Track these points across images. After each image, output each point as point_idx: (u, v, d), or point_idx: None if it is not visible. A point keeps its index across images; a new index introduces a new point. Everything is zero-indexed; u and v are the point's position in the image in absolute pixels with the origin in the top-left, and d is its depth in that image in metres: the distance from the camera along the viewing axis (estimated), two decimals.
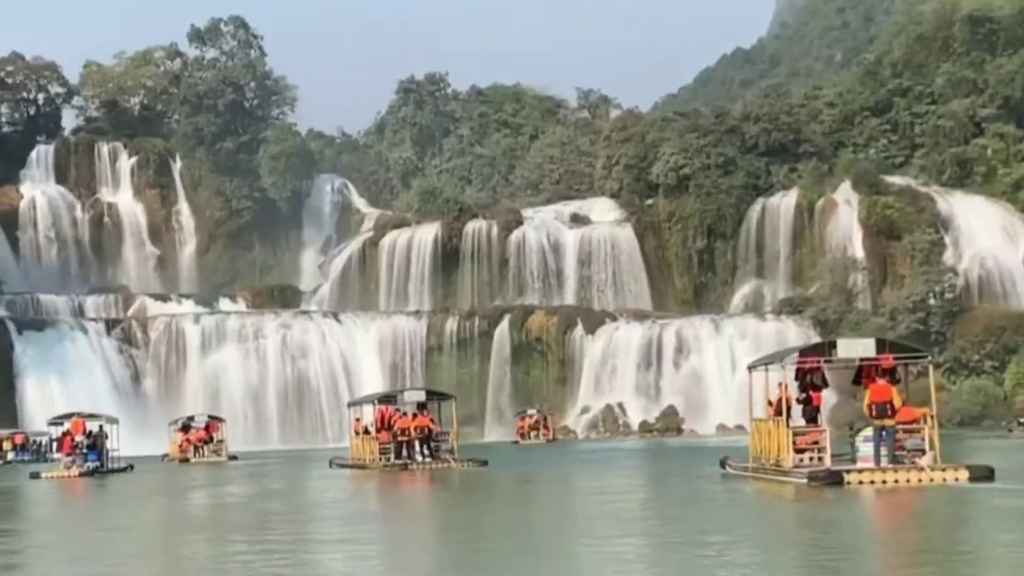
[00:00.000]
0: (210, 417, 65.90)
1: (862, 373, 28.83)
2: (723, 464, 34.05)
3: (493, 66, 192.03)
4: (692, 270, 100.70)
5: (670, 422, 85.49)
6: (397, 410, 44.05)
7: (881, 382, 28.68)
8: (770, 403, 30.78)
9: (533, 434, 77.41)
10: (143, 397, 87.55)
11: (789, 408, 29.63)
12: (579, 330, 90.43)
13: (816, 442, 29.04)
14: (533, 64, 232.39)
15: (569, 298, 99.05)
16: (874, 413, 28.44)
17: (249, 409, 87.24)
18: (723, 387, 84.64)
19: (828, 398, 70.28)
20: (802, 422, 29.98)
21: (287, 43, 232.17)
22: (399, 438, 42.81)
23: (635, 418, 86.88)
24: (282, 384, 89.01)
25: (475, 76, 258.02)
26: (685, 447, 61.32)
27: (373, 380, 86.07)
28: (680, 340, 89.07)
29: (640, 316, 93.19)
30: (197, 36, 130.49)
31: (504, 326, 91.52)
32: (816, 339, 74.19)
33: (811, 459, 28.98)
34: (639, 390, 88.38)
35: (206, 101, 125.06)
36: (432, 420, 43.44)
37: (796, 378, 29.95)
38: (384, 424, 43.84)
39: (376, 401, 46.32)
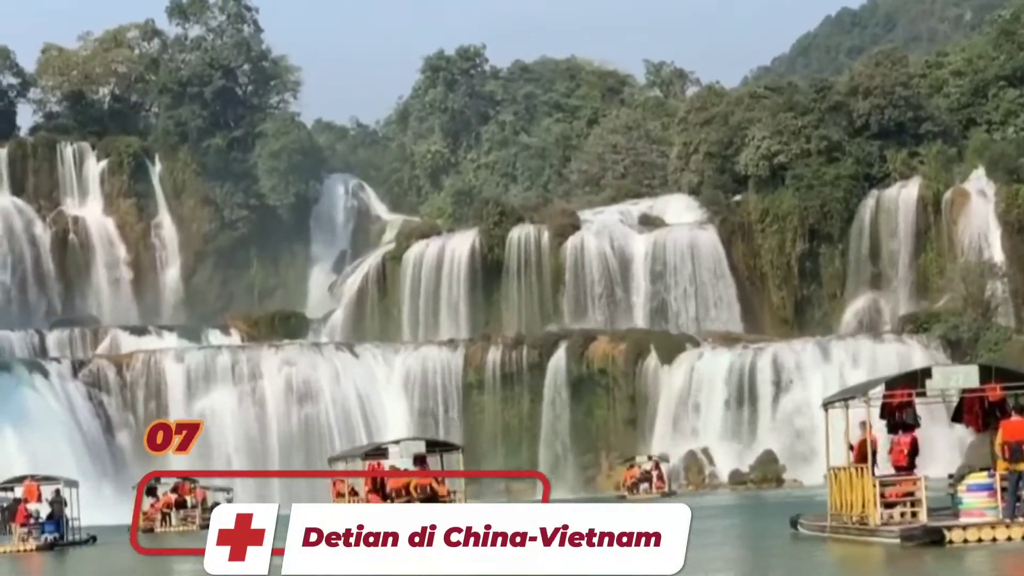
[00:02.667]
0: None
1: (963, 408, 29.24)
2: (794, 524, 34.31)
3: (540, 36, 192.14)
4: (791, 282, 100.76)
5: (768, 471, 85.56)
6: (393, 467, 44.60)
7: (1017, 418, 29.38)
8: (851, 447, 31.13)
9: (644, 487, 77.10)
10: (117, 453, 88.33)
11: (875, 452, 30.00)
12: (652, 359, 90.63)
13: (910, 493, 29.43)
14: (590, 32, 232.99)
15: (639, 320, 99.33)
16: (1007, 455, 29.04)
17: (246, 464, 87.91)
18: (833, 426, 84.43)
19: (964, 437, 71.23)
20: (891, 470, 30.35)
21: (287, 16, 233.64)
22: (396, 500, 42.92)
23: (724, 467, 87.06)
24: (286, 433, 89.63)
25: (518, 49, 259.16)
26: (784, 501, 61.26)
27: (398, 426, 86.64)
28: (778, 369, 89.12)
29: (728, 340, 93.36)
30: (178, 10, 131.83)
31: (559, 356, 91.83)
32: (946, 362, 74.20)
33: (902, 514, 29.38)
34: (729, 432, 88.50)
35: (190, 89, 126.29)
36: (436, 478, 43.83)
37: (881, 415, 30.34)
38: (375, 484, 44.17)
39: (363, 456, 46.74)
